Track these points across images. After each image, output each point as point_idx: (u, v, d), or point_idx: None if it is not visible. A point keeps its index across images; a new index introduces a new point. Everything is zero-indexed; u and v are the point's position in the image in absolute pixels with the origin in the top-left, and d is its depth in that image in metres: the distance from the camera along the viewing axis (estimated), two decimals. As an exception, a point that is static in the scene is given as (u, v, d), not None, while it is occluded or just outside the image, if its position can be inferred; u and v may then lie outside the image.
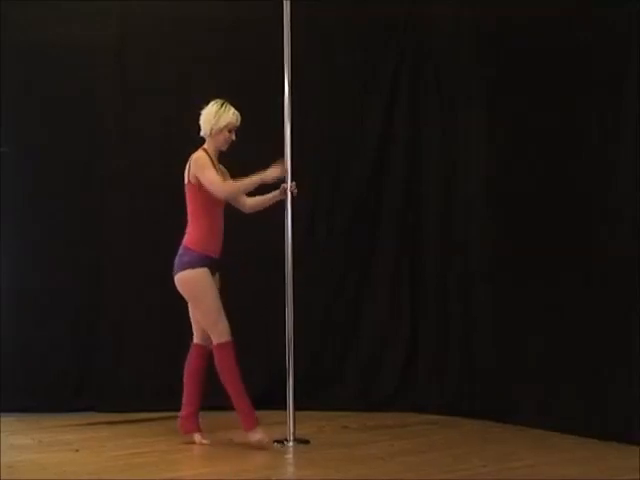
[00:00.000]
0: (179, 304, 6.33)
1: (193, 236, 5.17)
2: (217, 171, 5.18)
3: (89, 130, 6.41)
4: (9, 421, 5.89)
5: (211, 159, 5.21)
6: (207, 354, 5.26)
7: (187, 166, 5.22)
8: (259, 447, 5.10)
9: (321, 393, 6.29)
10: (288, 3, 5.48)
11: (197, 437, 5.30)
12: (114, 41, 6.44)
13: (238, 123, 5.28)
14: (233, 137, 5.27)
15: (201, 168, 5.14)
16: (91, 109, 6.40)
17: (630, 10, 5.21)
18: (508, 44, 5.83)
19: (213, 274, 5.19)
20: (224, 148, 5.28)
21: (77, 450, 5.18)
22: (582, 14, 5.41)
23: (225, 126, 5.23)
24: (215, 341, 5.14)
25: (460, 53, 6.19)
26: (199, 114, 5.28)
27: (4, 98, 6.30)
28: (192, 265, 5.12)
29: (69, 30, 6.34)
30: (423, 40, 6.40)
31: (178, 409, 6.16)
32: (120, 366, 6.35)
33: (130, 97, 6.45)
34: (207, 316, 5.15)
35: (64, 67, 6.36)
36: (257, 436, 5.12)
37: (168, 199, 6.36)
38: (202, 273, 5.12)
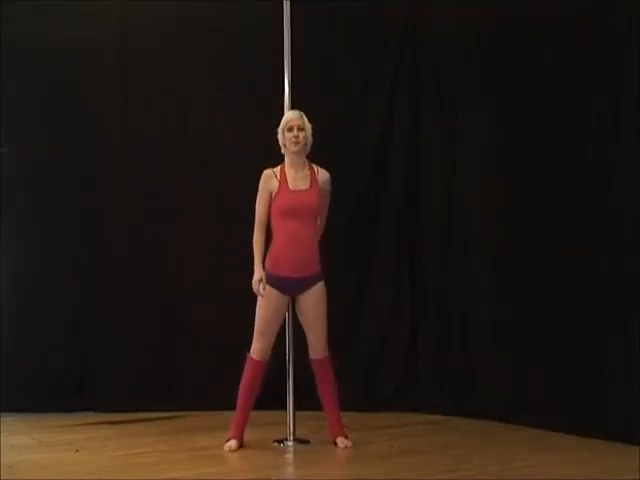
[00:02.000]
0: (179, 304, 6.36)
1: (269, 253, 5.18)
2: (287, 185, 5.14)
3: (89, 130, 6.41)
4: (9, 421, 5.88)
5: (281, 174, 5.18)
6: (320, 365, 5.26)
7: None
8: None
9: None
10: (288, 3, 5.48)
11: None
12: (114, 41, 6.43)
13: (290, 119, 5.21)
14: (295, 133, 5.18)
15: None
16: (91, 109, 6.39)
17: (630, 10, 5.21)
18: (508, 44, 5.84)
19: (292, 293, 5.17)
20: (294, 149, 5.19)
21: (77, 450, 5.18)
22: (582, 14, 5.41)
23: (281, 131, 5.20)
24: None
25: (460, 53, 6.18)
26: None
27: (4, 98, 6.29)
28: (266, 280, 5.13)
29: (69, 30, 6.33)
30: (423, 40, 6.39)
31: (178, 409, 6.19)
32: (120, 366, 6.35)
33: (130, 97, 6.45)
34: (255, 326, 5.19)
35: (64, 67, 6.36)
36: (227, 444, 5.16)
37: (168, 199, 6.39)
38: (267, 290, 5.11)
